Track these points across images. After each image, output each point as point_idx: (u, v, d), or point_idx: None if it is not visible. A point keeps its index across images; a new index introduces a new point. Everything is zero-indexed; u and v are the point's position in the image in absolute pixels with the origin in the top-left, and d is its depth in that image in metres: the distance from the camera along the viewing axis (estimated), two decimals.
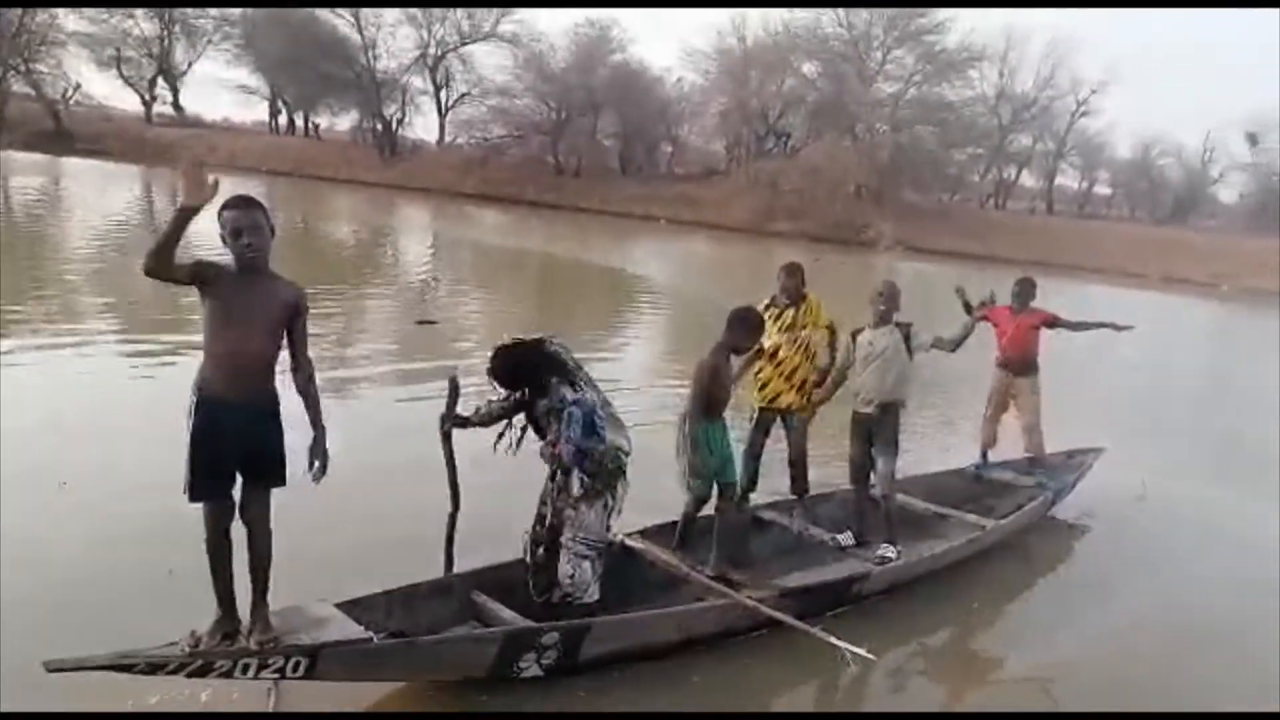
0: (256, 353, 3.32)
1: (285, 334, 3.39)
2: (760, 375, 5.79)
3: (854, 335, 5.59)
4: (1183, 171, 63.24)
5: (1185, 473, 8.55)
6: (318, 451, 3.46)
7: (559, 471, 4.26)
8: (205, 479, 3.29)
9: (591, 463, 4.17)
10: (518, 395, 4.32)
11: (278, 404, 3.39)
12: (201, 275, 3.21)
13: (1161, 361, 16.48)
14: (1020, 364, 7.08)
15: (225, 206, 3.28)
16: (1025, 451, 7.12)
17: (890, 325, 5.49)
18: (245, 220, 3.26)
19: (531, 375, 4.26)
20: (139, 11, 52.14)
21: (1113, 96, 60.78)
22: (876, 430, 5.49)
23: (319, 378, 3.58)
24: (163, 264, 3.06)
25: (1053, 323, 7.06)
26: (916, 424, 8.10)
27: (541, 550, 4.31)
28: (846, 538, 5.58)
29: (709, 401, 4.81)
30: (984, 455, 7.25)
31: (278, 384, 3.41)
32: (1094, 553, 6.50)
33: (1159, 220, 58.48)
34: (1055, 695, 4.50)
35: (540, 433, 4.33)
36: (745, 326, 4.91)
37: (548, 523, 4.29)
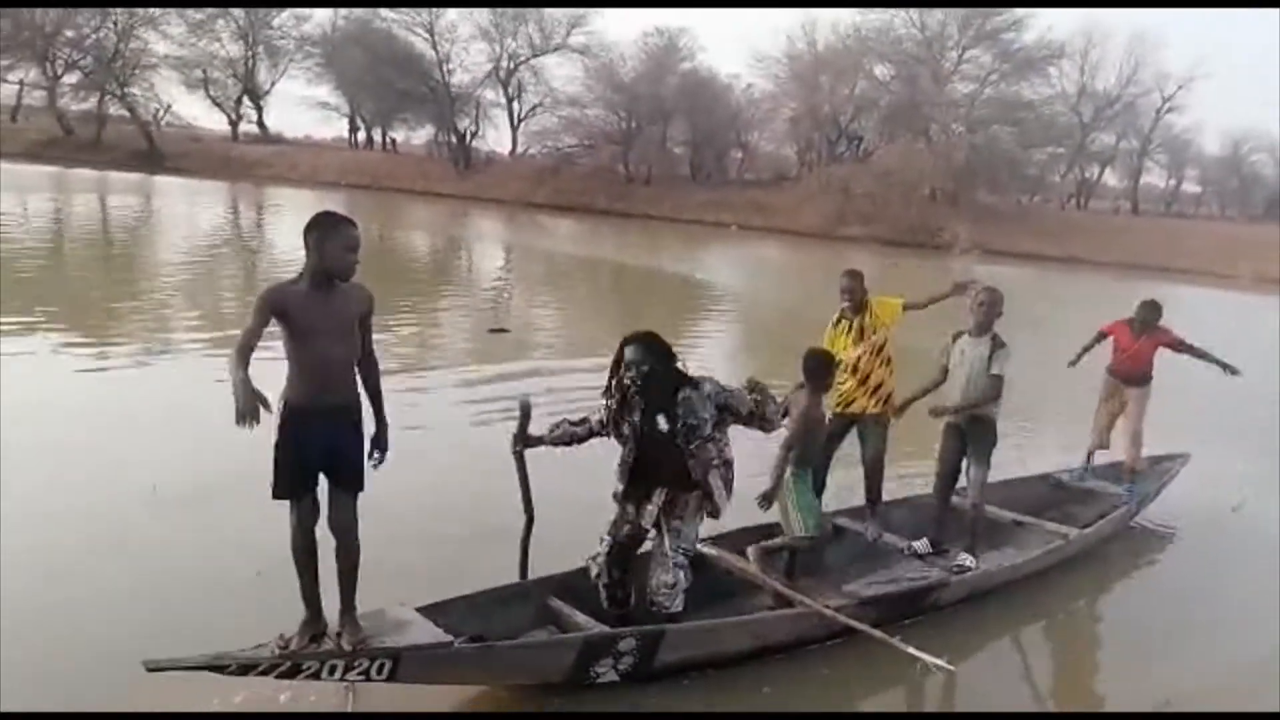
0: (339, 360, 3.45)
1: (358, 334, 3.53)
2: (842, 387, 5.74)
3: (954, 337, 5.50)
4: (1276, 167, 60.69)
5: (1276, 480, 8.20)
6: (381, 442, 3.64)
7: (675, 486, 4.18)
8: (290, 479, 3.43)
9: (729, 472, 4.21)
10: (647, 410, 4.11)
11: (360, 409, 3.54)
12: (275, 315, 3.33)
13: (1252, 365, 15.80)
14: (1137, 377, 6.92)
15: (344, 222, 3.46)
16: (1124, 458, 6.91)
17: (988, 335, 5.36)
18: (358, 237, 3.48)
19: (676, 373, 4.14)
20: (224, 34, 54.36)
21: (1199, 93, 58.77)
22: (970, 439, 5.39)
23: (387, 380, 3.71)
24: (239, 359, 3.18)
25: (1178, 347, 6.90)
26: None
27: (617, 571, 4.31)
28: (923, 545, 5.50)
29: (804, 451, 4.87)
30: (1089, 459, 7.10)
31: (359, 389, 3.55)
32: (1179, 564, 6.30)
33: (1252, 218, 56.16)
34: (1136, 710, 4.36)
35: (642, 459, 4.18)
36: (820, 367, 4.95)
37: (630, 537, 4.27)
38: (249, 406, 3.04)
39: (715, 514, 4.26)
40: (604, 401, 4.25)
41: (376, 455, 3.63)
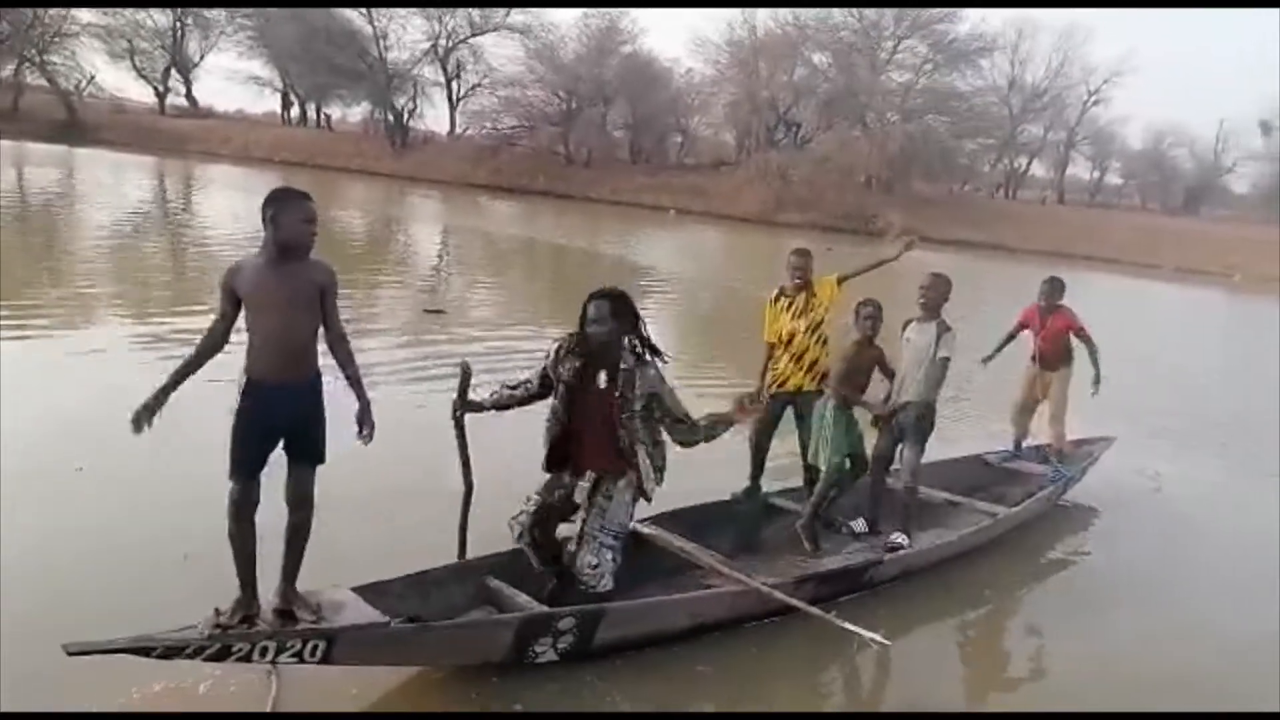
0: (299, 333, 3.43)
1: (320, 310, 3.49)
2: (778, 365, 5.79)
3: (904, 325, 5.58)
4: (1195, 162, 62.86)
5: (1197, 462, 8.54)
6: (366, 417, 3.59)
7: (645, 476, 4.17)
8: (246, 454, 3.39)
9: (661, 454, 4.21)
10: (589, 368, 4.11)
11: (320, 382, 3.51)
12: (236, 296, 3.38)
13: (1174, 352, 16.41)
14: (1055, 360, 7.09)
15: (291, 195, 3.43)
16: (1049, 440, 7.10)
17: (934, 321, 5.44)
18: (313, 209, 3.45)
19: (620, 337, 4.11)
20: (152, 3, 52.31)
21: (1125, 87, 60.15)
22: (907, 424, 5.47)
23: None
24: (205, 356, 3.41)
25: (1077, 332, 7.05)
26: None
27: (539, 533, 4.28)
28: (859, 525, 5.60)
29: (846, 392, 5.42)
30: (1017, 445, 7.26)
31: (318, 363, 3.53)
32: (1105, 542, 6.50)
33: (1171, 211, 58.11)
34: (1062, 683, 4.49)
35: (573, 410, 4.16)
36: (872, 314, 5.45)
37: (562, 501, 4.24)
38: (142, 413, 3.30)
39: (645, 496, 4.24)
40: (544, 357, 4.23)
41: (366, 433, 3.59)
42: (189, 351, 3.44)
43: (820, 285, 5.75)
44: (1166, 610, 5.40)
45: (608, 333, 4.04)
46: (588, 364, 4.11)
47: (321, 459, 3.54)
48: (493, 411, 4.38)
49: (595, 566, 4.12)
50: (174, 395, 3.36)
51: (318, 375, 3.51)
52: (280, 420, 3.42)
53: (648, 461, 4.17)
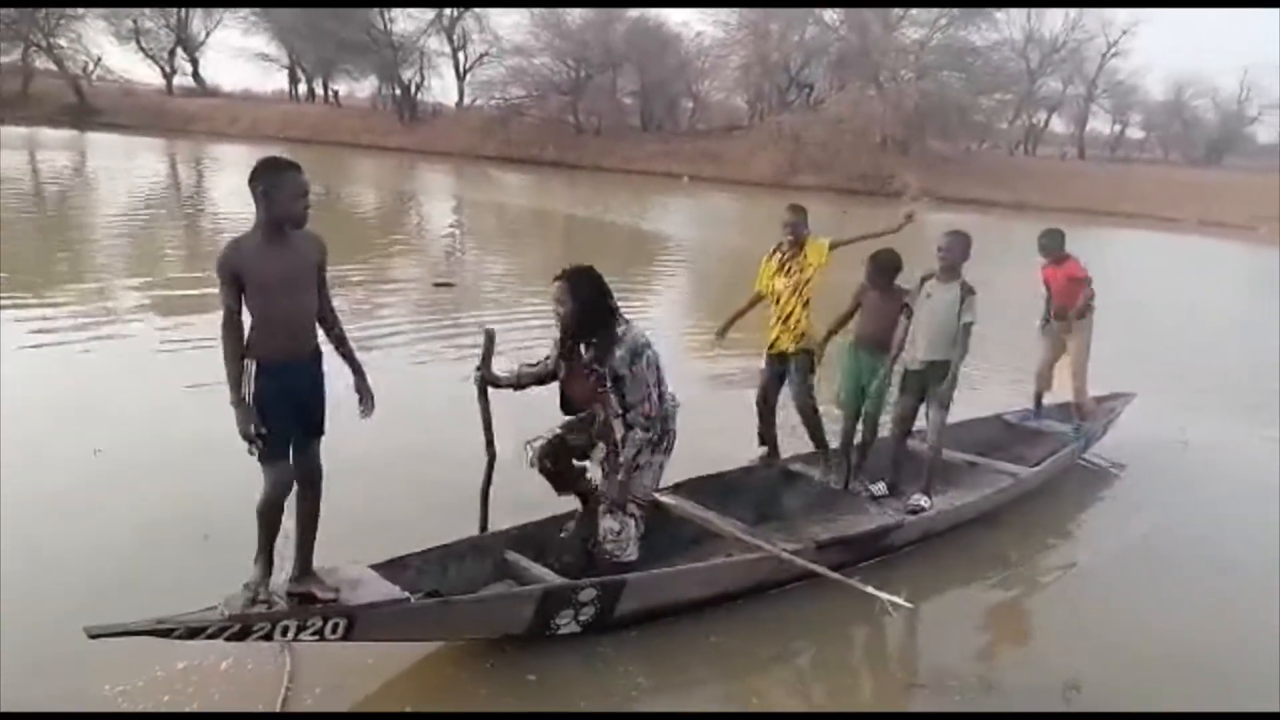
0: (304, 309, 3.40)
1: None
2: (772, 329, 5.74)
3: (922, 280, 5.45)
4: (1217, 112, 61.69)
5: (1221, 417, 8.42)
6: (364, 389, 3.58)
7: (619, 426, 4.11)
8: (275, 440, 3.34)
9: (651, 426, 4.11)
10: (571, 343, 4.14)
11: (322, 356, 3.48)
12: (238, 276, 3.25)
13: (1198, 305, 16.18)
14: (1071, 312, 6.92)
15: (290, 168, 3.32)
16: (1071, 397, 6.99)
17: (956, 281, 5.32)
18: (306, 183, 3.36)
19: (602, 314, 4.09)
20: None
21: (1144, 37, 59.37)
22: (932, 383, 5.37)
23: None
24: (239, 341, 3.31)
25: (1077, 285, 6.86)
26: None
27: (550, 462, 4.30)
28: (879, 488, 5.54)
29: (858, 329, 5.66)
30: (1038, 403, 7.14)
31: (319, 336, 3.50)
32: (1129, 501, 6.42)
33: (1193, 162, 57.16)
34: (1086, 646, 4.42)
35: (575, 394, 4.22)
36: (877, 266, 5.51)
37: (578, 438, 4.28)
38: (247, 432, 3.22)
39: (616, 468, 4.13)
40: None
41: (365, 405, 3.58)
42: (222, 358, 3.31)
43: (811, 247, 5.64)
44: (1192, 571, 5.29)
45: (570, 313, 4.04)
46: (572, 340, 4.14)
47: (323, 430, 3.51)
48: (511, 390, 4.35)
49: (618, 533, 4.11)
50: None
51: (319, 349, 3.48)
52: (294, 396, 3.38)
53: (627, 433, 4.09)
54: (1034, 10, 53.22)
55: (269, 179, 3.28)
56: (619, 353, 4.02)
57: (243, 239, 3.34)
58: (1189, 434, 7.47)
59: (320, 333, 3.52)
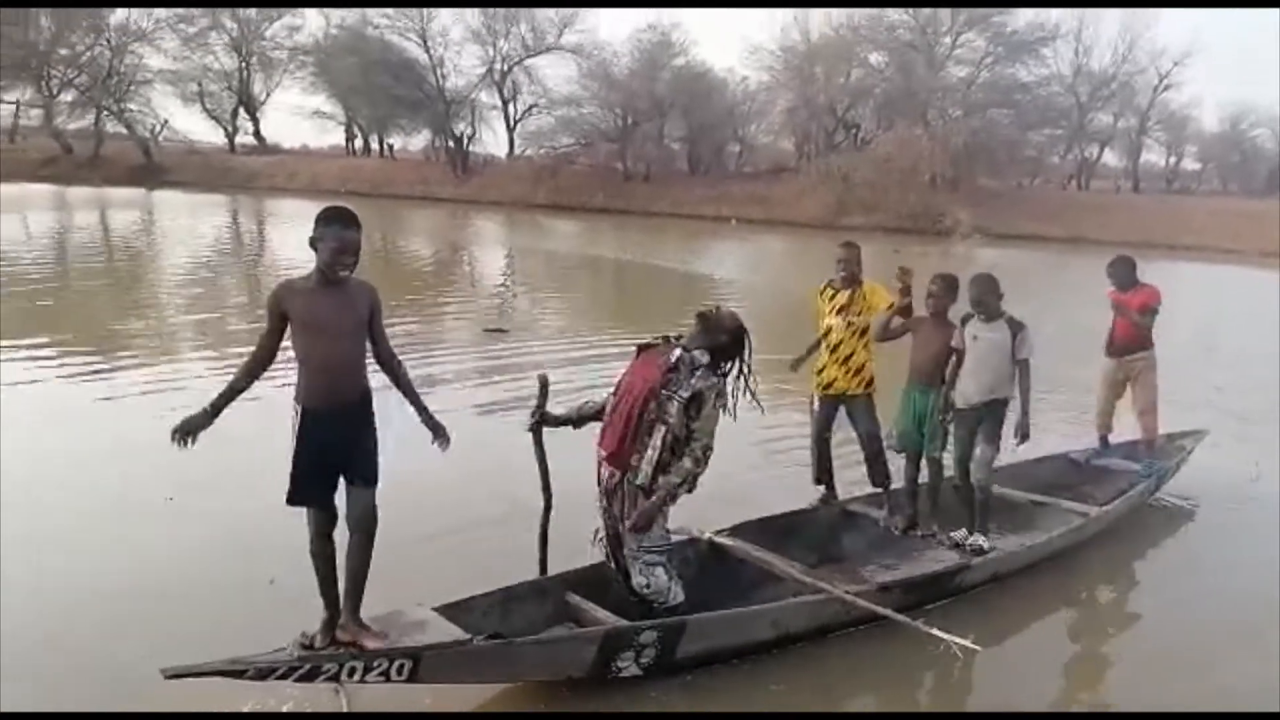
0: (350, 356, 3.46)
1: (369, 332, 3.52)
2: (819, 361, 5.71)
3: (963, 321, 5.39)
4: (1277, 142, 60.39)
5: None
6: (435, 424, 3.65)
7: (643, 470, 3.98)
8: (306, 484, 3.42)
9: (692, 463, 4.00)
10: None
11: (371, 402, 3.53)
12: (284, 315, 3.37)
13: (1261, 339, 15.72)
14: (1134, 345, 6.78)
15: (335, 221, 3.40)
16: (1142, 433, 6.80)
17: (1002, 319, 5.25)
18: (351, 240, 3.41)
19: (727, 352, 4.10)
20: (218, 46, 54.46)
21: (1196, 68, 58.50)
22: (985, 418, 5.27)
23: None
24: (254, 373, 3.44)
25: (1142, 309, 6.69)
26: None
27: (620, 559, 4.21)
28: (961, 534, 5.35)
29: (914, 367, 5.55)
30: (1104, 441, 6.98)
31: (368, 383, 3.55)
32: (1202, 539, 6.23)
33: (1252, 193, 55.88)
34: (1157, 691, 4.28)
35: (635, 383, 4.06)
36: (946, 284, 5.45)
37: (610, 534, 4.19)
38: (185, 427, 3.33)
39: (644, 488, 3.98)
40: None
41: (440, 439, 3.64)
42: (236, 375, 3.44)
43: (874, 293, 5.62)
44: (1265, 614, 5.05)
45: (718, 331, 4.10)
46: (665, 340, 4.14)
47: (377, 480, 3.52)
48: (570, 427, 4.35)
49: (648, 587, 4.06)
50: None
51: (367, 394, 3.51)
52: (336, 443, 3.42)
53: (667, 458, 3.94)
54: (1081, 44, 52.88)
55: (317, 228, 3.41)
56: (711, 381, 3.97)
57: (296, 280, 3.46)
58: (1260, 468, 7.23)
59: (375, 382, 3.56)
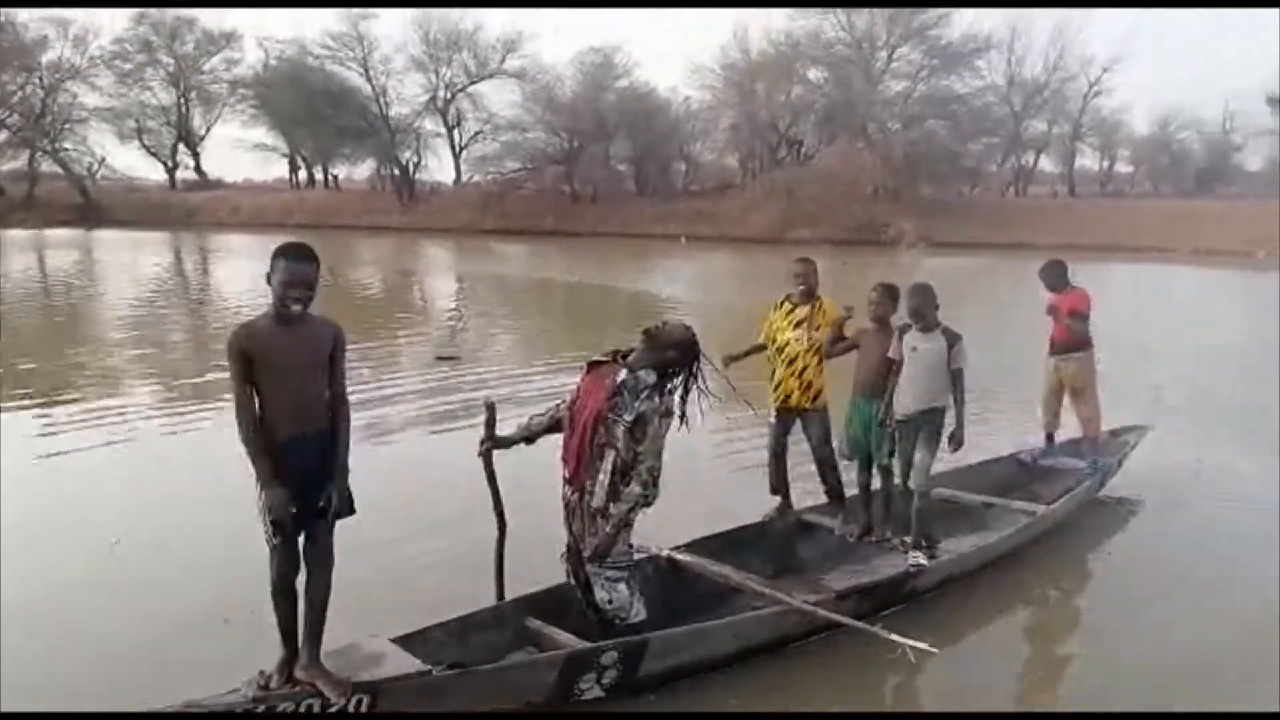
0: (310, 392, 3.41)
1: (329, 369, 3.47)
2: (775, 375, 5.78)
3: (900, 332, 5.47)
4: (1203, 143, 62.36)
5: (1234, 448, 8.38)
6: (340, 490, 3.43)
7: (596, 493, 4.00)
8: (291, 516, 3.33)
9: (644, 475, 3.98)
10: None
11: (331, 438, 3.46)
12: (247, 357, 3.29)
13: (1198, 335, 16.19)
14: (1068, 344, 6.96)
15: (285, 255, 3.35)
16: (1084, 432, 6.98)
17: (938, 329, 5.35)
18: (301, 274, 3.34)
19: (675, 366, 4.08)
20: (154, 82, 53.66)
21: (1125, 74, 60.13)
22: (924, 426, 5.36)
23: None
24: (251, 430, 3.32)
25: (1071, 313, 6.87)
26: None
27: (581, 574, 4.20)
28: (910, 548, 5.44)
29: (860, 379, 5.64)
30: (1049, 440, 7.13)
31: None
32: (1147, 533, 6.39)
33: (1184, 193, 57.59)
34: (1112, 685, 4.36)
35: (586, 404, 4.03)
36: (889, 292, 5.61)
37: (575, 550, 4.18)
38: (282, 512, 3.23)
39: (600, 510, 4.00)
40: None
41: (326, 499, 3.38)
42: (242, 442, 3.33)
43: (830, 308, 5.71)
44: (1215, 603, 5.21)
45: (668, 344, 4.07)
46: (615, 356, 4.12)
47: (337, 514, 3.44)
48: (523, 444, 4.32)
49: (610, 603, 4.06)
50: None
51: (329, 430, 3.45)
52: (300, 482, 3.33)
53: (617, 485, 3.96)
54: (1013, 55, 54.24)
55: (272, 264, 3.35)
56: (654, 403, 3.95)
57: (255, 321, 3.41)
58: (1204, 462, 7.44)
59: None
